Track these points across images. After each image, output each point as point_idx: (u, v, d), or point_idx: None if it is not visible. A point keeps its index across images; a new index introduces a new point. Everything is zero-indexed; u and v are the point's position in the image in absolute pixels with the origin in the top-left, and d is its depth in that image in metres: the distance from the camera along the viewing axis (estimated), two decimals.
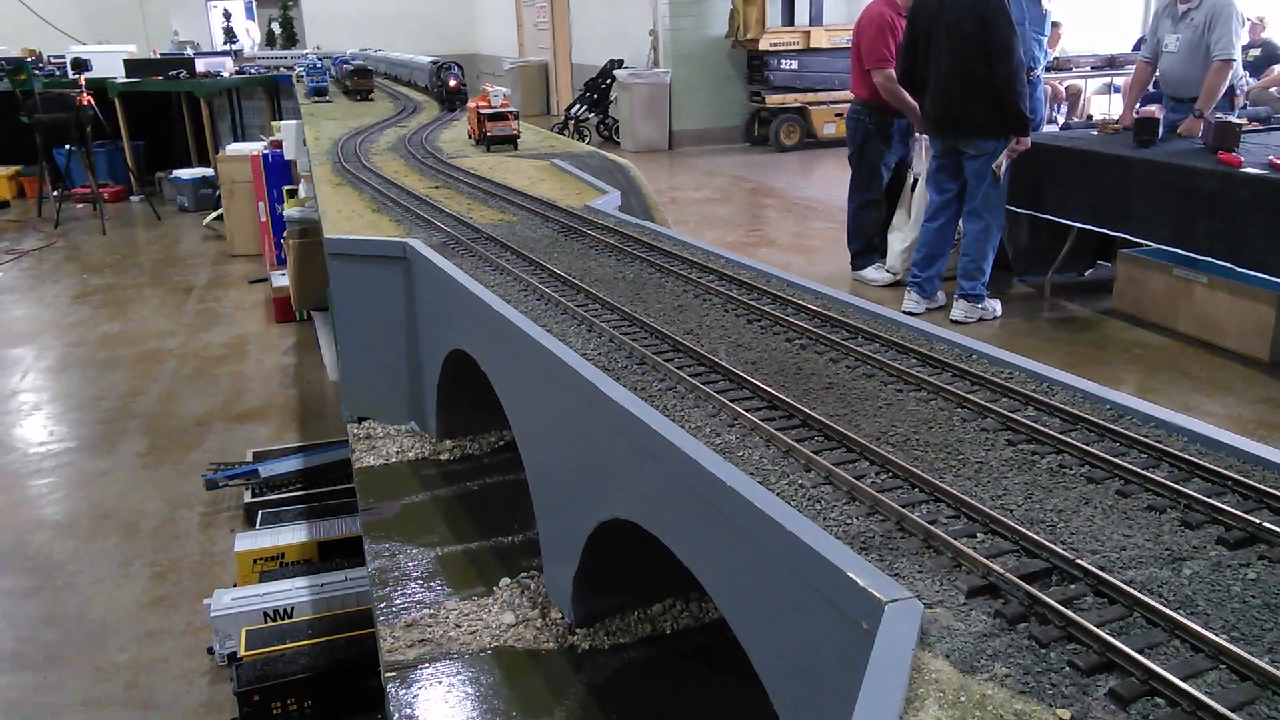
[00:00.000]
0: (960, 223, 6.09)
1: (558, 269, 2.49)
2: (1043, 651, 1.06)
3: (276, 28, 18.86)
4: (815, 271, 7.35)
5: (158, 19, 17.63)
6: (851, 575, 1.11)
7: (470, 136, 4.82)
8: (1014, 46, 5.48)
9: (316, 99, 7.42)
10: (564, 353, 1.85)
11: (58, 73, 12.05)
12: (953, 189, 5.98)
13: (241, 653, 2.95)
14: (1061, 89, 10.89)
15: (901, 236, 6.91)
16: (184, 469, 4.64)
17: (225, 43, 15.29)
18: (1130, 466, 1.41)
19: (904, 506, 1.32)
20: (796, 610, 1.21)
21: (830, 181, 10.79)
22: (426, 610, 2.07)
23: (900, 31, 6.52)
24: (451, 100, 6.45)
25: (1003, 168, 5.68)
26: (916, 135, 6.97)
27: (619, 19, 15.29)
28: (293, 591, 3.21)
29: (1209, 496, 1.33)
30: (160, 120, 12.53)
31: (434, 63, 6.99)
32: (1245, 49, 8.17)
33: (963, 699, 0.99)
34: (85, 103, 10.24)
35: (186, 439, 4.98)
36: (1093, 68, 10.78)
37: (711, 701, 1.82)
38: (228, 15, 15.79)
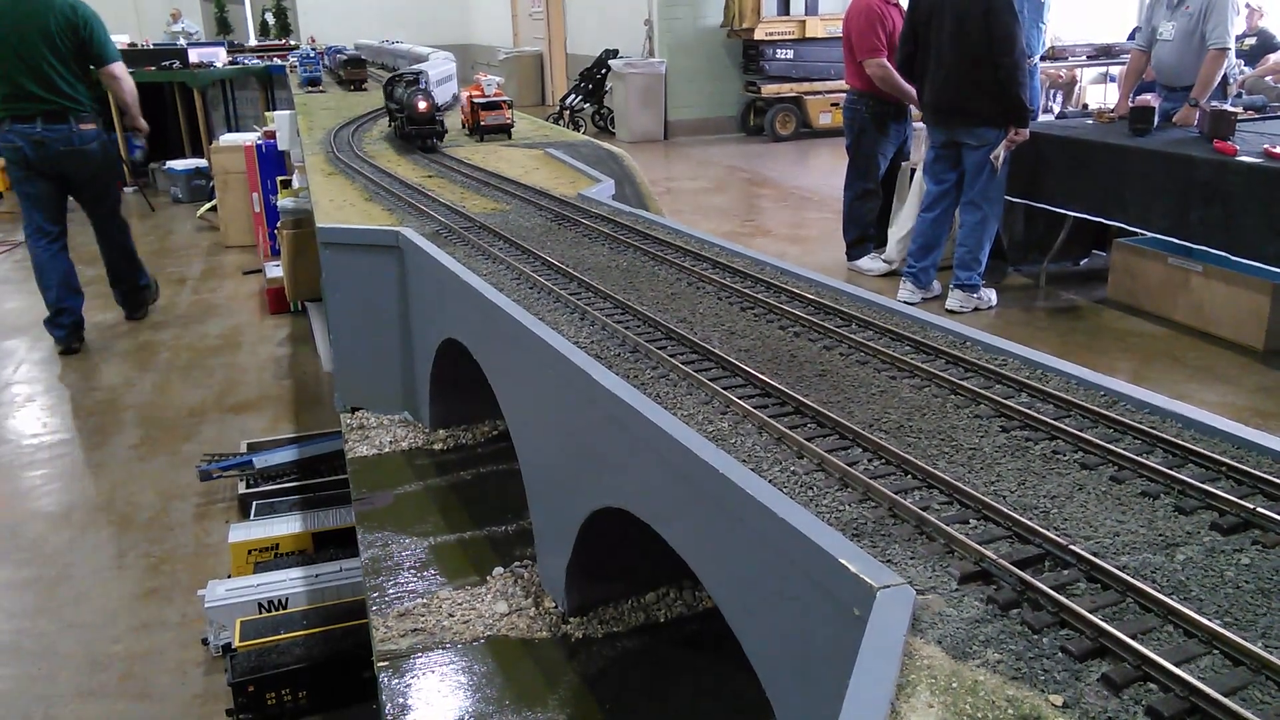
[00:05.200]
0: (957, 213, 6.08)
1: (551, 257, 2.48)
2: (1035, 637, 1.06)
3: (270, 18, 18.78)
4: (811, 261, 7.34)
5: (150, 9, 17.54)
6: (843, 561, 1.11)
7: (464, 126, 4.80)
8: (1018, 37, 5.46)
9: (310, 89, 7.40)
10: (556, 341, 1.84)
11: None
12: (951, 179, 5.97)
13: (236, 644, 2.94)
14: (1061, 75, 10.88)
15: (900, 227, 6.90)
16: (178, 460, 4.63)
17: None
18: (1124, 452, 1.41)
19: (896, 493, 1.31)
20: (788, 597, 1.21)
21: (826, 171, 10.78)
22: (420, 600, 2.07)
23: (890, 20, 6.52)
24: (423, 133, 4.09)
25: (1000, 158, 5.67)
26: (913, 125, 6.96)
27: (614, 8, 15.24)
28: (287, 582, 3.20)
29: (1203, 482, 1.32)
30: (153, 111, 12.45)
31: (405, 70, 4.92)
32: (1240, 37, 8.17)
33: (954, 685, 0.98)
34: None
35: (180, 430, 4.97)
36: (1088, 57, 10.75)
37: (705, 690, 1.82)
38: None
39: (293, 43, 14.84)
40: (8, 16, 5.69)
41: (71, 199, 6.37)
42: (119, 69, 6.12)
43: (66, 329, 6.13)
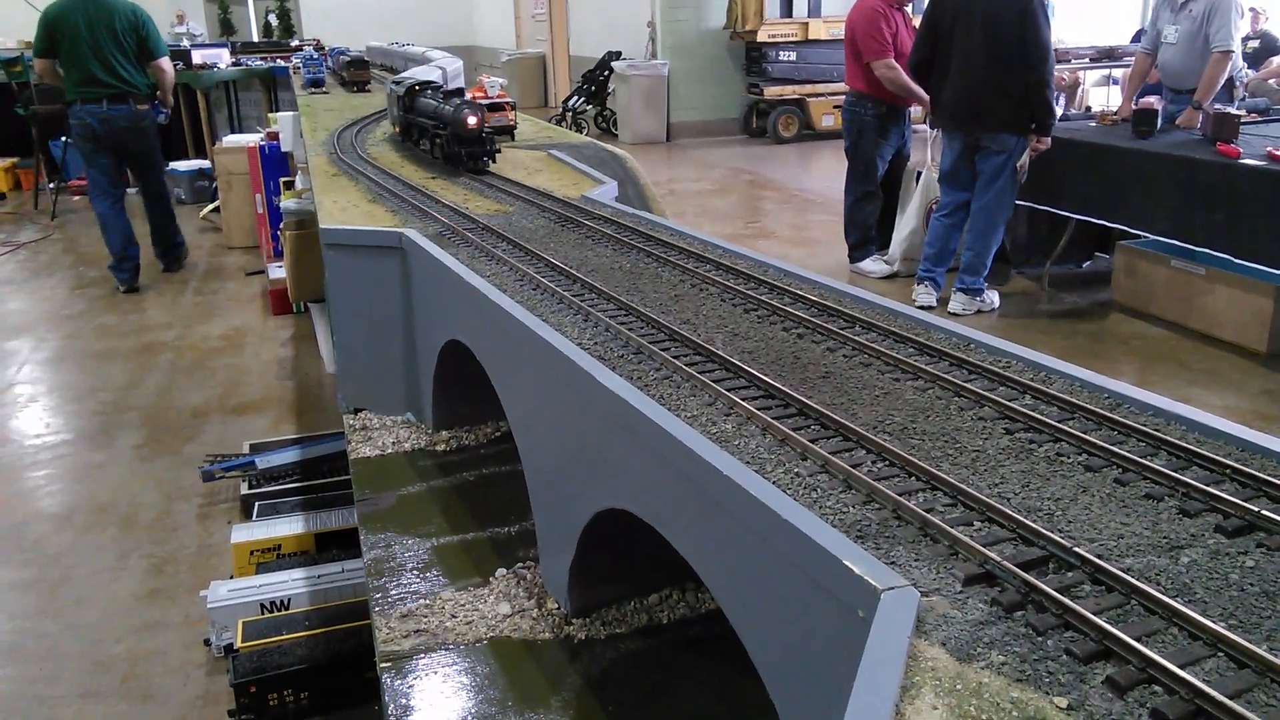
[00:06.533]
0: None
1: (554, 259, 2.48)
2: (1040, 639, 1.05)
3: (273, 20, 18.81)
4: (814, 263, 7.33)
5: (155, 10, 17.54)
6: (847, 563, 1.10)
7: None
8: (1050, 45, 5.42)
9: (313, 90, 7.41)
10: (560, 342, 1.84)
11: None
12: (970, 188, 5.90)
13: (238, 644, 2.94)
14: (1064, 77, 10.87)
15: (903, 228, 6.88)
16: (181, 461, 4.63)
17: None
18: (1128, 455, 1.40)
19: (901, 495, 1.31)
20: (792, 599, 1.20)
21: (829, 173, 10.77)
22: (422, 601, 2.07)
23: (893, 22, 6.49)
24: (474, 154, 3.62)
25: (1025, 168, 5.62)
26: (913, 127, 6.94)
27: (617, 10, 15.25)
28: (289, 583, 3.20)
29: (1207, 485, 1.32)
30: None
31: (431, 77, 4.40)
32: (1244, 40, 8.16)
33: (959, 687, 0.98)
34: None
35: (183, 431, 4.97)
36: (1091, 59, 10.74)
37: (708, 691, 1.82)
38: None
39: (308, 41, 14.81)
40: (84, 18, 7.02)
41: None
42: (165, 62, 7.55)
43: (129, 272, 7.48)
